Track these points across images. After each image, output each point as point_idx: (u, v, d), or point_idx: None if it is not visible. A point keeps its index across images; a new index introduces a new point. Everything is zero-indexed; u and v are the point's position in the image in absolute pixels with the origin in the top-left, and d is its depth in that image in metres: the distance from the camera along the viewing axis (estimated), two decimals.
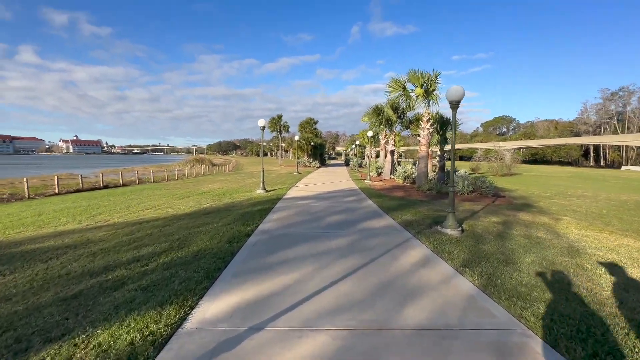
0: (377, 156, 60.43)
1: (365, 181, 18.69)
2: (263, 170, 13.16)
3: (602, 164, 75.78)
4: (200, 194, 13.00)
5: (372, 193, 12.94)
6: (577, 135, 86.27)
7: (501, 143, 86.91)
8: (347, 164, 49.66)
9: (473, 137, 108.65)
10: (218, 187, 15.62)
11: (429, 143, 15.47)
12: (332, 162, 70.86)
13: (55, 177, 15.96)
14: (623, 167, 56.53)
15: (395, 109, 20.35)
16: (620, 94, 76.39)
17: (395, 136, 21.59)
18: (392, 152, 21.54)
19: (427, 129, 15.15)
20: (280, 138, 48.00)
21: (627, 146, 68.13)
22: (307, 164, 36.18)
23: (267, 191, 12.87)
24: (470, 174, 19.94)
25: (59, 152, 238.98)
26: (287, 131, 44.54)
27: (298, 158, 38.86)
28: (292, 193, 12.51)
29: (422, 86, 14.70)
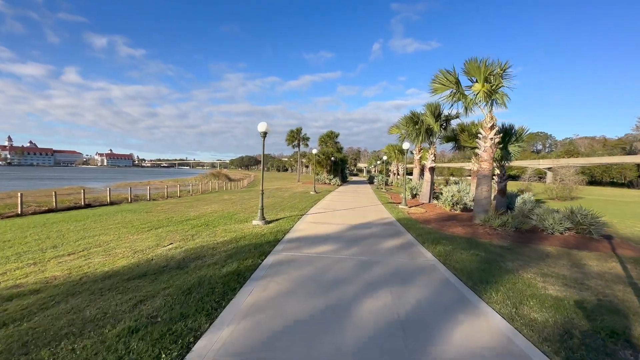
0: (407, 173, 55.76)
1: (400, 206, 14.57)
2: (262, 192, 9.51)
3: None
4: (180, 222, 9.55)
5: (419, 230, 8.85)
6: (631, 153, 76.84)
7: (541, 161, 78.97)
8: (371, 181, 45.41)
9: None
10: (210, 212, 12.17)
11: (493, 158, 11.25)
12: (354, 178, 66.75)
13: (51, 192, 13.33)
14: None
15: (437, 115, 16.33)
16: None
17: (435, 150, 17.44)
18: (432, 169, 17.33)
19: (491, 138, 10.99)
20: (299, 153, 44.87)
21: None
22: (327, 181, 32.47)
23: (266, 222, 9.16)
24: (534, 198, 15.28)
25: (94, 165, 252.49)
26: (307, 145, 41.41)
27: (317, 174, 35.32)
28: (302, 227, 8.69)
29: (485, 81, 10.71)
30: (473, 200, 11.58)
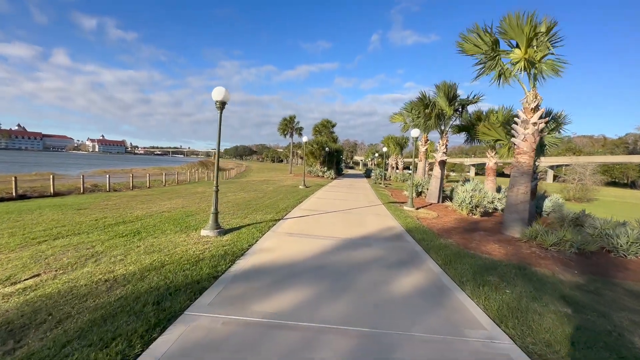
0: (405, 168, 52.97)
1: (405, 207, 11.82)
2: (217, 189, 6.63)
3: None
4: (104, 227, 6.70)
5: (443, 249, 6.05)
6: (634, 152, 75.03)
7: (543, 159, 76.72)
8: (367, 175, 42.64)
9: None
10: (164, 210, 9.33)
11: (535, 149, 8.48)
12: (350, 171, 63.93)
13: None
14: None
15: (451, 98, 13.48)
16: None
17: (447, 140, 14.63)
18: (443, 163, 14.56)
19: (534, 123, 8.21)
20: (292, 143, 41.82)
21: None
22: (320, 173, 29.56)
23: (221, 232, 6.33)
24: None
25: (86, 151, 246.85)
26: (300, 135, 38.24)
27: (310, 166, 32.42)
28: (269, 244, 5.85)
29: (529, 45, 7.85)
30: (505, 204, 8.86)
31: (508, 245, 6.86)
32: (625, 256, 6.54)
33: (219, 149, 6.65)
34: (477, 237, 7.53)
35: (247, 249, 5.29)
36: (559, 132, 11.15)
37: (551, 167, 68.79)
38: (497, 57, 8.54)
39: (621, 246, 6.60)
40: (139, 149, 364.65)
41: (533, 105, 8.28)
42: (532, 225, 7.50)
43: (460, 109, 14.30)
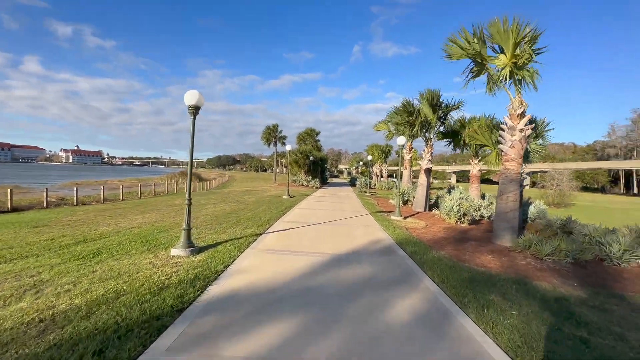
0: (390, 176, 53.26)
1: (393, 217, 11.47)
2: (189, 202, 5.93)
3: (635, 191, 68.01)
4: (60, 248, 5.88)
5: (437, 263, 5.61)
6: (602, 159, 79.20)
7: (538, 165, 79.47)
8: (352, 183, 42.45)
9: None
10: (134, 226, 8.51)
11: (522, 156, 8.36)
12: (335, 180, 63.75)
13: None
14: None
15: (435, 105, 13.42)
16: None
17: (432, 148, 14.53)
18: (429, 171, 14.41)
19: (521, 129, 8.10)
20: (275, 152, 41.15)
21: None
22: (305, 182, 29.00)
23: (194, 250, 5.65)
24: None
25: (58, 162, 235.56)
26: (283, 144, 37.65)
27: (294, 175, 31.85)
28: (247, 264, 5.24)
29: (514, 50, 7.77)
30: (495, 213, 8.63)
31: (502, 256, 6.55)
32: (619, 264, 6.36)
33: (191, 158, 6.02)
34: (469, 248, 7.20)
35: (222, 271, 4.66)
36: (542, 139, 11.22)
37: (528, 174, 71.40)
38: (483, 62, 8.43)
39: (614, 254, 6.42)
40: (117, 159, 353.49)
41: (519, 112, 8.18)
42: (524, 234, 7.27)
43: (444, 116, 14.28)
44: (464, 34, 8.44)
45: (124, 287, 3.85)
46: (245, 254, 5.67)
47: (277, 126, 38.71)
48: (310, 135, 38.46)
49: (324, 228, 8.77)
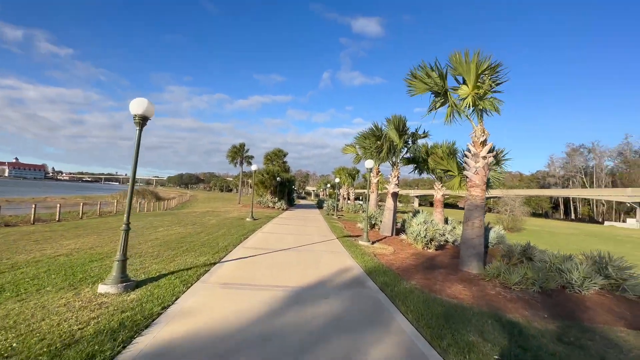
0: (356, 198, 53.75)
1: (361, 242, 11.08)
2: (127, 227, 5.02)
3: (572, 217, 75.58)
4: None
5: (409, 296, 5.17)
6: (544, 187, 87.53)
7: (492, 191, 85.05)
8: (320, 206, 42.05)
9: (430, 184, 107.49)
10: (73, 249, 7.15)
11: (486, 182, 8.53)
12: (302, 202, 63.00)
13: None
14: (607, 223, 54.73)
15: (401, 131, 13.71)
16: (581, 150, 79.60)
17: (399, 172, 14.69)
18: (396, 195, 14.45)
19: (484, 157, 8.29)
20: (241, 171, 39.81)
21: (596, 200, 68.44)
22: (271, 204, 28.00)
23: (129, 285, 4.68)
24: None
25: None
26: (250, 163, 36.65)
27: (260, 196, 30.72)
28: (193, 303, 4.39)
29: (477, 81, 8.10)
30: (461, 239, 8.57)
31: (472, 286, 6.33)
32: (580, 292, 6.43)
33: (134, 174, 5.19)
34: (439, 277, 6.93)
35: (160, 314, 3.81)
36: (500, 167, 11.77)
37: (513, 200, 76.44)
38: (446, 93, 8.67)
39: (575, 282, 6.49)
40: (64, 174, 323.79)
41: (482, 139, 8.41)
42: (491, 261, 7.21)
43: (409, 142, 14.62)
44: (424, 69, 8.70)
45: (14, 345, 2.88)
46: (193, 290, 4.82)
47: (244, 145, 37.75)
48: (278, 156, 37.88)
49: (289, 255, 8.08)
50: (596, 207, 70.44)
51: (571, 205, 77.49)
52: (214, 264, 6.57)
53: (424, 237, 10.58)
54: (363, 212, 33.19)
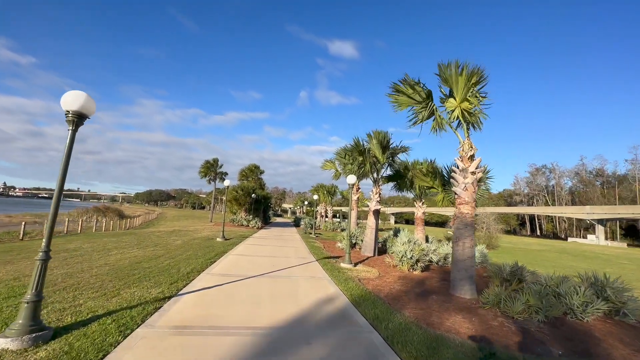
0: (334, 216, 52.88)
1: (343, 265, 10.17)
2: (44, 257, 3.82)
3: (537, 233, 79.39)
4: None
5: (405, 335, 4.33)
6: (511, 204, 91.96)
7: (447, 209, 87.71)
8: (296, 224, 40.74)
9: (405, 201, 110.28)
10: None
11: (475, 199, 8.06)
12: (278, 219, 61.18)
13: None
14: (570, 239, 57.71)
15: (384, 146, 13.29)
16: (543, 170, 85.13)
17: (380, 189, 14.14)
18: (377, 212, 13.81)
19: (473, 172, 7.87)
20: (214, 188, 37.88)
21: (559, 217, 72.54)
22: (245, 222, 26.40)
23: (39, 338, 3.45)
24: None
25: None
26: (223, 179, 34.97)
27: (234, 214, 29.05)
28: (134, 359, 3.30)
29: (466, 94, 7.77)
30: (452, 261, 7.93)
31: (472, 316, 5.60)
32: (582, 319, 5.90)
33: (61, 185, 4.04)
34: (434, 306, 6.15)
35: None
36: (484, 184, 11.54)
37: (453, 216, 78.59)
38: (431, 106, 8.29)
39: (577, 307, 5.97)
40: (17, 190, 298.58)
41: (470, 154, 8.01)
42: (482, 284, 6.58)
43: (391, 158, 14.22)
44: (407, 82, 8.33)
45: None
46: (133, 339, 3.66)
47: (218, 160, 36.13)
48: (253, 172, 36.52)
49: (263, 284, 6.99)
50: (559, 223, 74.56)
51: (536, 222, 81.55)
52: (170, 297, 5.37)
53: (410, 258, 9.89)
54: (342, 230, 32.31)
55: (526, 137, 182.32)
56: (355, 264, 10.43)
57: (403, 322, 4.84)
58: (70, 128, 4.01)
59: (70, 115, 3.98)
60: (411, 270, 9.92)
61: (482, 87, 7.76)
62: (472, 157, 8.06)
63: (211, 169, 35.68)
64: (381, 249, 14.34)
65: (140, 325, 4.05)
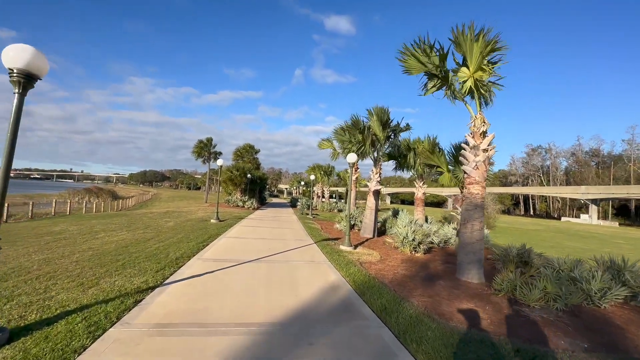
0: (331, 196, 52.63)
1: (342, 247, 9.75)
2: None
3: (531, 213, 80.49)
4: None
5: (424, 333, 3.87)
6: (507, 185, 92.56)
7: (446, 189, 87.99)
8: (293, 204, 40.39)
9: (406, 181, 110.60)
10: None
11: (486, 179, 7.52)
12: (275, 200, 60.85)
13: None
14: (563, 219, 58.50)
15: (384, 123, 12.56)
16: (539, 150, 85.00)
17: (381, 168, 13.54)
18: (377, 193, 13.29)
19: (485, 149, 7.27)
20: (209, 168, 37.02)
21: (552, 197, 73.30)
22: (240, 203, 25.90)
23: (8, 338, 2.90)
24: (455, 228, 12.52)
25: None
26: (216, 159, 34.08)
27: (229, 195, 28.47)
28: None
29: (481, 63, 7.00)
30: (459, 243, 7.49)
31: (485, 304, 5.18)
32: (600, 306, 5.53)
33: (9, 160, 3.34)
34: (442, 292, 5.72)
35: None
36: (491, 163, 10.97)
37: (449, 196, 79.01)
38: (446, 74, 7.54)
39: (595, 294, 5.59)
40: None
41: (482, 130, 7.37)
42: (502, 272, 6.15)
43: (392, 135, 13.52)
44: (420, 45, 7.48)
45: None
46: (103, 342, 3.11)
47: (212, 140, 35.05)
48: (248, 152, 35.58)
49: (258, 269, 6.49)
50: (552, 203, 75.44)
51: (530, 202, 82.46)
52: (154, 287, 4.83)
53: (412, 240, 9.47)
54: (339, 211, 32.03)
55: (525, 117, 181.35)
56: (355, 246, 10.01)
57: (414, 314, 4.38)
58: (17, 91, 3.26)
59: (15, 74, 3.23)
60: (413, 252, 9.53)
61: (500, 56, 6.98)
62: (484, 134, 7.43)
63: (205, 149, 34.65)
64: (380, 230, 13.97)
65: (115, 323, 3.50)
